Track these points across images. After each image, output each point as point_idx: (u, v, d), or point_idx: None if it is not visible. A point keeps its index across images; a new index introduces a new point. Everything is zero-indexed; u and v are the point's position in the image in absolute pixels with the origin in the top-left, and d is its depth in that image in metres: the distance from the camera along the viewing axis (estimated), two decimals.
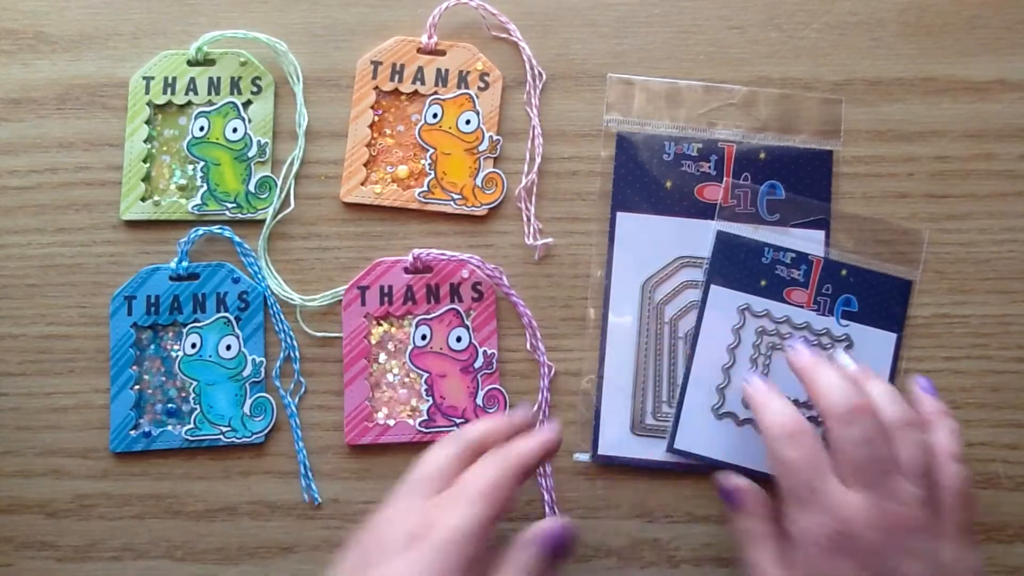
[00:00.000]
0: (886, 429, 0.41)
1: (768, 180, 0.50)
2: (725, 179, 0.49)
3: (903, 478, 0.40)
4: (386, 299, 0.50)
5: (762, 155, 0.50)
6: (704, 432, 0.48)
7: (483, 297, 0.50)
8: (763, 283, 0.49)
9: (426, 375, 0.49)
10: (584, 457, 0.48)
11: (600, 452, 0.48)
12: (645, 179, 0.50)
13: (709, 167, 0.50)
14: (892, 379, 0.49)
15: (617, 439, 0.48)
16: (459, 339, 0.50)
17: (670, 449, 0.48)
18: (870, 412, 0.41)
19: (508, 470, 0.39)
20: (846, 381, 0.42)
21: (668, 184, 0.50)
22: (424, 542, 0.36)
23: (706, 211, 0.49)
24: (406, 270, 0.50)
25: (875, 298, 0.49)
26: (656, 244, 0.49)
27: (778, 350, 0.49)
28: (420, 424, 0.49)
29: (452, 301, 0.50)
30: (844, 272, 0.49)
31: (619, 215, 0.49)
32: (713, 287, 0.49)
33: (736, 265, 0.49)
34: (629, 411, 0.49)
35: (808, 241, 0.49)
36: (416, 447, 0.49)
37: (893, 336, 0.49)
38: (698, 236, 0.49)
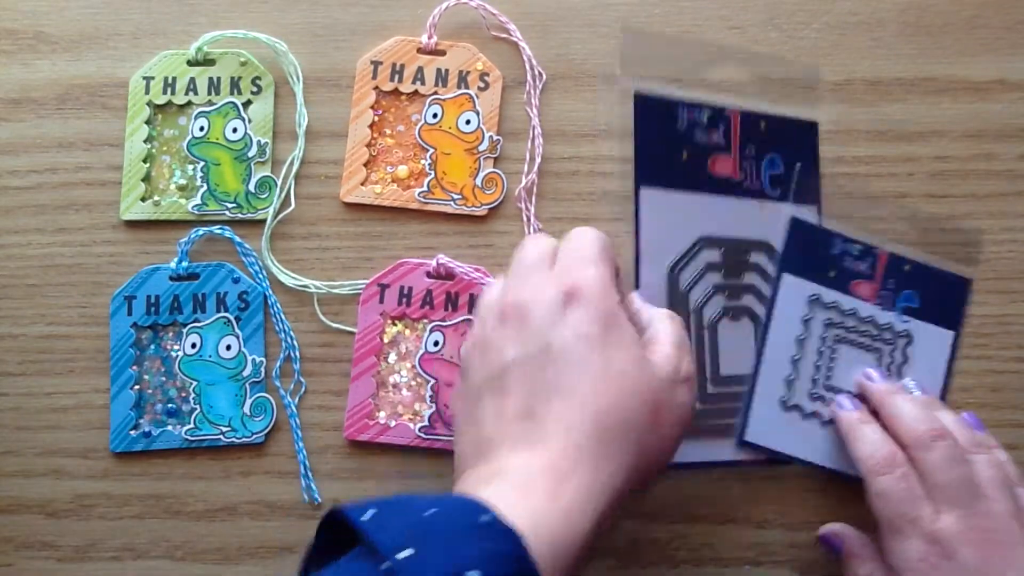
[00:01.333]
0: (964, 452, 0.43)
1: (769, 152, 0.48)
2: (733, 151, 0.47)
3: (988, 497, 0.42)
4: (404, 300, 0.50)
5: (763, 124, 0.48)
6: (773, 425, 0.47)
7: None
8: (832, 274, 0.48)
9: (433, 381, 0.49)
10: None
11: None
12: (665, 148, 0.46)
13: (719, 136, 0.47)
14: (947, 377, 0.49)
15: None
16: None
17: (740, 442, 0.47)
18: (949, 436, 0.43)
19: (601, 237, 0.40)
20: (920, 407, 0.44)
21: (685, 155, 0.47)
22: (580, 299, 0.37)
23: (718, 185, 0.47)
24: (428, 274, 0.50)
25: (936, 295, 0.49)
26: (678, 223, 0.46)
27: (843, 343, 0.48)
28: (420, 429, 0.49)
29: (470, 311, 0.49)
30: (907, 267, 0.49)
31: (643, 192, 0.46)
32: (785, 275, 0.48)
33: (808, 254, 0.48)
34: None
35: (807, 217, 0.48)
36: (413, 451, 0.49)
37: (951, 334, 0.49)
38: (713, 213, 0.47)
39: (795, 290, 0.48)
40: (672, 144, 0.46)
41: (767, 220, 0.48)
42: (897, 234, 0.49)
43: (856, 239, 0.49)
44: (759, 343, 0.48)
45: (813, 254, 0.48)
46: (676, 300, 0.46)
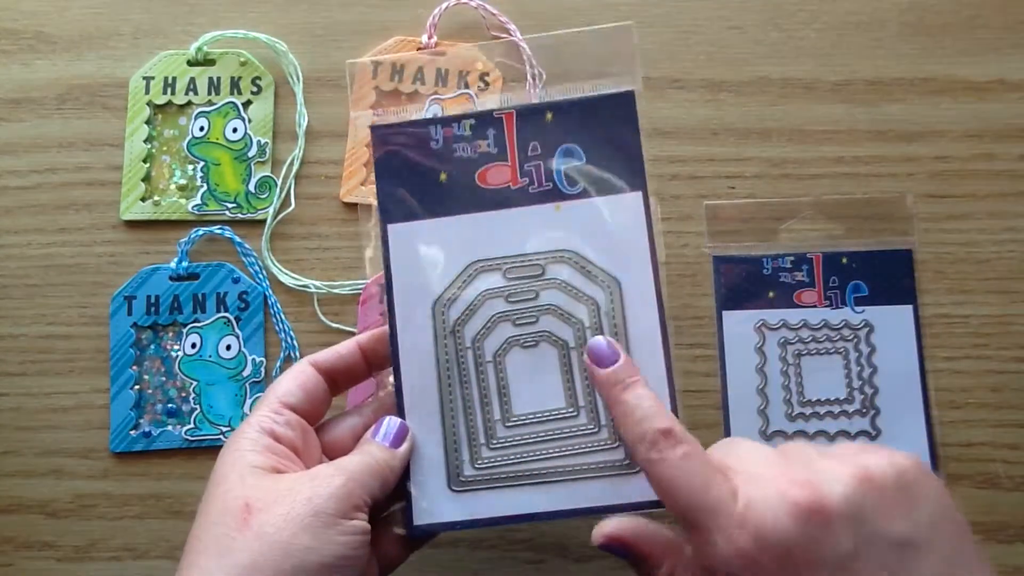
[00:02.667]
0: None
1: (561, 143, 0.41)
2: (510, 155, 0.40)
3: None
4: None
5: (549, 116, 0.41)
6: None
7: None
8: (771, 295, 0.49)
9: None
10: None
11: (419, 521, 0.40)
12: (415, 176, 0.41)
13: (488, 145, 0.41)
14: (920, 351, 0.48)
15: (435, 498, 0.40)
16: None
17: None
18: None
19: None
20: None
21: (443, 177, 0.41)
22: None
23: (493, 200, 0.40)
24: None
25: (881, 276, 0.49)
26: (442, 254, 0.40)
27: (805, 356, 0.48)
28: None
29: None
30: (845, 260, 0.49)
31: (392, 229, 0.40)
32: (725, 313, 0.49)
33: (740, 284, 0.49)
34: (443, 466, 0.40)
35: (631, 208, 0.40)
36: None
37: (909, 308, 0.49)
38: (488, 231, 0.40)
39: (738, 323, 0.49)
40: (426, 168, 0.41)
41: (567, 224, 0.40)
42: (823, 232, 0.50)
43: (784, 252, 0.49)
44: (720, 386, 0.48)
45: (746, 282, 0.49)
46: (445, 340, 0.40)
